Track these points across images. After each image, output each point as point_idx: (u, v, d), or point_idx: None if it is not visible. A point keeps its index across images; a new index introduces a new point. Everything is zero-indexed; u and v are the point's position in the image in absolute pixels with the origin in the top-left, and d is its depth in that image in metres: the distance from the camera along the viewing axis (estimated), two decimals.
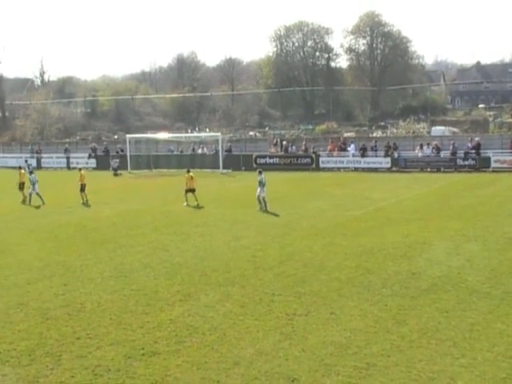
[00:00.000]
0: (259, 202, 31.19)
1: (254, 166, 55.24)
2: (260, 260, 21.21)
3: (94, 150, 63.56)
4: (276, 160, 56.44)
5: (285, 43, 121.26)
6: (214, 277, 19.20)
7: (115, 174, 53.51)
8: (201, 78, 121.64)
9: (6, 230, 28.17)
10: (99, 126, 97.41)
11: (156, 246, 23.94)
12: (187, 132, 73.73)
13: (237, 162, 55.95)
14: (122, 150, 59.82)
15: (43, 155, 66.42)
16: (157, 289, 18.05)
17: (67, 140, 79.25)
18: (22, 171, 38.96)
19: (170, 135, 65.05)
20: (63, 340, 14.18)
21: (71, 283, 18.92)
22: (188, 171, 34.32)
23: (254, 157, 56.79)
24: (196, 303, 16.68)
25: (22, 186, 37.54)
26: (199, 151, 59.96)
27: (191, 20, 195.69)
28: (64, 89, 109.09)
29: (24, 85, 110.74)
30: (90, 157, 62.75)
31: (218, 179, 47.71)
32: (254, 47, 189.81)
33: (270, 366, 12.46)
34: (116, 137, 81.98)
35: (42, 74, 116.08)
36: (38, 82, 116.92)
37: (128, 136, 61.34)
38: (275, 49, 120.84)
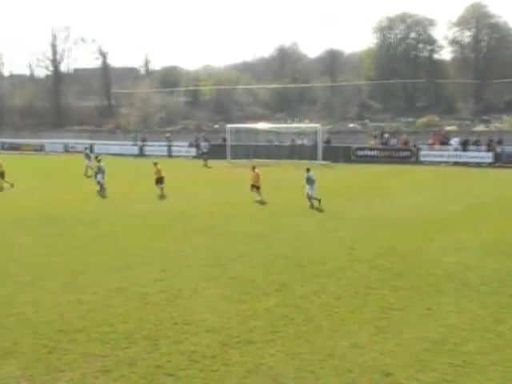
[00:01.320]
0: (308, 200, 30.42)
1: (353, 158, 54.88)
2: (357, 252, 21.09)
3: (196, 139, 64.34)
4: (375, 152, 55.89)
5: (387, 34, 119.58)
6: (310, 268, 19.21)
7: (205, 160, 53.45)
8: (302, 69, 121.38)
9: (107, 216, 28.85)
10: (200, 116, 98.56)
11: (253, 235, 24.09)
12: (287, 122, 73.79)
13: (335, 153, 55.61)
14: (224, 140, 60.37)
15: (146, 143, 67.72)
16: (253, 278, 18.19)
17: (169, 128, 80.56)
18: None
19: (270, 126, 65.14)
20: (161, 325, 14.47)
21: (169, 269, 19.27)
22: (253, 168, 33.68)
23: (353, 149, 56.40)
24: (292, 294, 16.72)
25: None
26: (298, 142, 59.89)
27: (293, 11, 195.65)
28: (167, 78, 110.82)
29: (129, 74, 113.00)
30: (190, 145, 63.63)
31: (316, 170, 47.52)
32: (356, 38, 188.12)
33: (365, 359, 12.39)
34: (217, 126, 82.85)
35: (146, 64, 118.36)
36: (142, 71, 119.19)
37: (228, 126, 61.83)
38: (377, 40, 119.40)
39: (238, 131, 61.98)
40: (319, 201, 30.34)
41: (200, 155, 55.74)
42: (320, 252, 21.24)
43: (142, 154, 65.15)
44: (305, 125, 67.28)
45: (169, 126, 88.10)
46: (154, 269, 19.36)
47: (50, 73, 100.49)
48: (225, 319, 14.78)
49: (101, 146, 68.46)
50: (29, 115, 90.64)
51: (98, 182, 35.84)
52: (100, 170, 36.14)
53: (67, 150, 69.81)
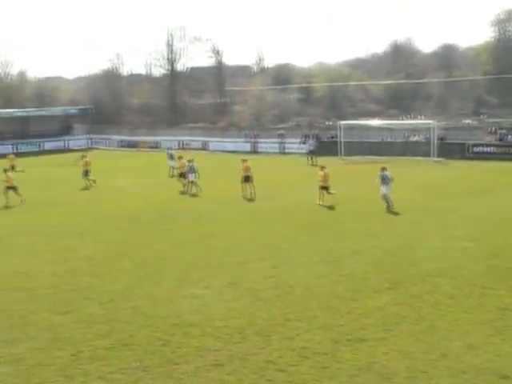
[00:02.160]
0: (384, 200, 28.79)
1: (468, 154, 53.54)
2: (472, 251, 20.60)
3: (306, 136, 64.27)
4: (492, 149, 54.30)
5: (506, 27, 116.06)
6: (423, 266, 18.90)
7: (310, 158, 52.82)
8: (416, 65, 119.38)
9: (218, 213, 29.20)
10: (312, 112, 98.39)
11: (365, 232, 23.91)
12: (400, 119, 72.75)
13: (450, 150, 54.34)
14: (332, 137, 60.02)
15: (259, 140, 68.17)
16: (365, 275, 18.06)
17: (281, 125, 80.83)
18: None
19: (383, 122, 64.40)
20: (272, 321, 14.57)
21: (281, 266, 19.37)
22: (322, 168, 31.89)
23: (468, 145, 55.04)
24: (404, 292, 16.52)
25: (182, 176, 37.06)
26: (412, 139, 58.97)
27: (408, 7, 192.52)
28: (280, 75, 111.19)
29: (242, 72, 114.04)
30: (301, 142, 63.62)
31: (430, 167, 46.69)
32: (472, 32, 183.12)
33: (479, 360, 12.11)
34: (330, 123, 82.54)
35: (259, 62, 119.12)
36: (255, 69, 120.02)
37: (340, 122, 61.53)
38: (495, 33, 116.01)
39: (350, 128, 61.56)
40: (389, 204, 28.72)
41: (306, 153, 55.39)
42: (433, 250, 20.87)
43: (254, 151, 65.63)
44: (418, 121, 66.15)
45: (281, 123, 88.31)
46: (265, 265, 19.51)
47: (166, 72, 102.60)
48: (337, 316, 14.75)
49: (215, 143, 69.42)
50: (145, 113, 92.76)
51: (192, 182, 35.55)
52: (192, 170, 35.73)
53: (182, 147, 71.05)
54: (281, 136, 67.33)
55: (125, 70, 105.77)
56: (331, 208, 29.32)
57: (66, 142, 74.39)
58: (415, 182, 36.63)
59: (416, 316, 14.62)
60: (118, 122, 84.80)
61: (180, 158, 38.91)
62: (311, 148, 55.40)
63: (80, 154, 44.03)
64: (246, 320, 14.65)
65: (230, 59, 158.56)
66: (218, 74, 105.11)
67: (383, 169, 29.44)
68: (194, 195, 34.57)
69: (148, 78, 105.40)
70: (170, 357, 12.69)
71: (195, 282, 17.92)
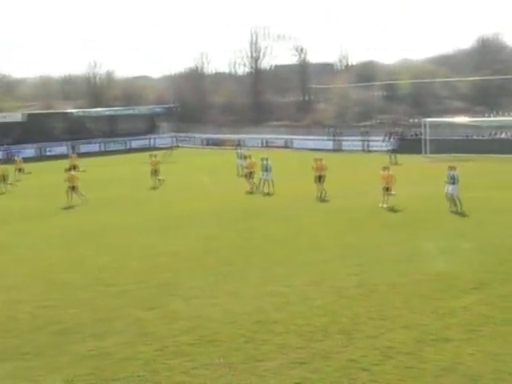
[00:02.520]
0: (450, 200, 27.63)
1: None
2: None
3: (389, 134, 63.52)
4: None
5: None
6: (511, 266, 18.51)
7: (390, 157, 51.89)
8: (504, 60, 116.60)
9: (300, 211, 29.20)
10: (397, 110, 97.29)
11: (451, 231, 23.54)
12: (487, 116, 71.16)
13: None
14: (417, 134, 59.18)
15: (342, 138, 67.82)
16: (451, 275, 17.77)
17: (365, 123, 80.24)
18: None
19: (469, 119, 63.16)
20: (356, 319, 14.50)
21: (365, 264, 19.25)
22: (384, 168, 30.78)
23: None
24: (491, 292, 16.18)
25: (250, 175, 36.74)
26: (500, 136, 57.61)
27: (495, 0, 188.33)
28: (364, 73, 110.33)
29: (326, 69, 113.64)
30: (384, 140, 62.92)
31: None
32: None
33: None
34: (414, 120, 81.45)
35: (343, 59, 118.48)
36: (339, 66, 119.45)
37: (425, 120, 60.63)
38: None
39: (435, 125, 60.61)
40: (457, 204, 27.54)
41: (388, 152, 54.67)
42: None
43: (337, 149, 65.30)
44: (506, 118, 64.59)
45: (365, 120, 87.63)
46: (349, 263, 19.43)
47: (249, 70, 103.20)
48: (421, 316, 14.57)
49: (298, 141, 69.41)
50: (229, 112, 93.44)
51: (265, 180, 35.01)
52: (265, 168, 35.18)
53: (265, 145, 71.30)
54: (364, 134, 66.83)
55: (209, 69, 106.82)
56: (416, 207, 28.92)
57: (152, 141, 75.62)
58: (503, 180, 35.81)
59: (503, 317, 14.31)
60: (202, 121, 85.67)
61: (248, 157, 38.41)
62: (392, 146, 54.85)
63: (150, 153, 44.44)
64: (330, 318, 14.62)
65: (314, 57, 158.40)
66: (302, 72, 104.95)
67: (451, 168, 28.38)
68: (268, 194, 34.40)
69: (232, 77, 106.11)
70: (253, 354, 12.77)
71: (279, 279, 17.98)
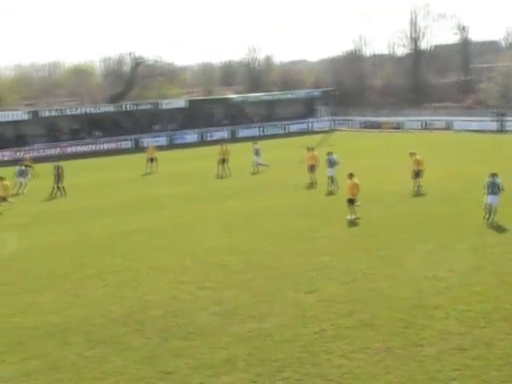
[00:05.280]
0: (487, 210, 23.03)
1: None
2: None
3: None
4: None
5: None
6: None
7: None
8: None
9: (468, 193, 28.41)
10: None
11: None
12: None
13: None
14: None
15: (507, 118, 65.35)
16: None
17: None
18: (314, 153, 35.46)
19: None
20: None
21: None
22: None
23: None
24: None
25: (312, 169, 34.23)
26: None
27: None
28: None
29: (489, 48, 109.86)
30: None
31: None
32: None
33: None
34: None
35: (508, 36, 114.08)
36: (503, 44, 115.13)
37: None
38: None
39: None
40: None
41: None
42: None
43: (501, 130, 63.00)
44: None
45: None
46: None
47: (409, 51, 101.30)
48: None
49: (460, 122, 67.54)
50: (388, 94, 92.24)
51: (331, 177, 31.90)
52: (330, 164, 32.32)
53: (425, 127, 69.90)
54: None
55: (367, 51, 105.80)
56: None
57: (310, 124, 75.84)
58: None
59: None
60: (360, 103, 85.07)
61: (311, 149, 35.97)
62: None
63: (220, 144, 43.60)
64: (492, 304, 14.23)
65: (476, 35, 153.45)
66: (463, 51, 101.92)
67: (493, 175, 23.26)
68: (330, 193, 31.35)
69: (391, 58, 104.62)
70: (413, 339, 12.64)
71: (439, 264, 17.65)
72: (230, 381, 11.40)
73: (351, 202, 24.63)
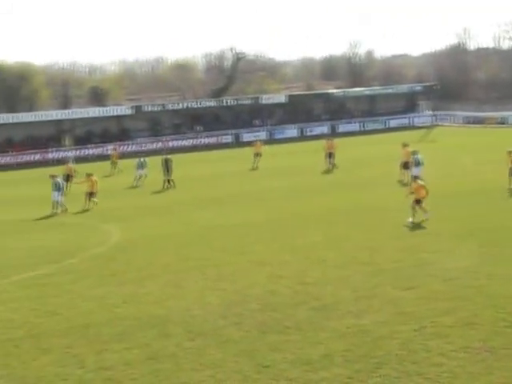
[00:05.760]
0: None
1: None
2: None
3: None
4: None
5: None
6: None
7: None
8: None
9: None
10: None
11: None
12: None
13: None
14: None
15: None
16: None
17: None
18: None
19: None
20: None
21: None
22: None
23: None
24: None
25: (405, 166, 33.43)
26: None
27: None
28: None
29: None
30: None
31: None
32: None
33: None
34: None
35: None
36: None
37: None
38: None
39: None
40: None
41: None
42: None
43: None
44: None
45: None
46: None
47: None
48: None
49: None
50: (493, 88, 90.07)
51: (415, 177, 29.37)
52: (416, 163, 31.42)
53: None
54: None
55: (472, 45, 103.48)
56: None
57: (411, 119, 74.87)
58: None
59: None
60: (463, 98, 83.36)
61: (405, 145, 34.99)
62: None
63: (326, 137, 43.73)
64: None
65: None
66: None
67: None
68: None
69: (496, 52, 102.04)
70: None
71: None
72: (328, 376, 11.36)
73: (418, 202, 23.48)
